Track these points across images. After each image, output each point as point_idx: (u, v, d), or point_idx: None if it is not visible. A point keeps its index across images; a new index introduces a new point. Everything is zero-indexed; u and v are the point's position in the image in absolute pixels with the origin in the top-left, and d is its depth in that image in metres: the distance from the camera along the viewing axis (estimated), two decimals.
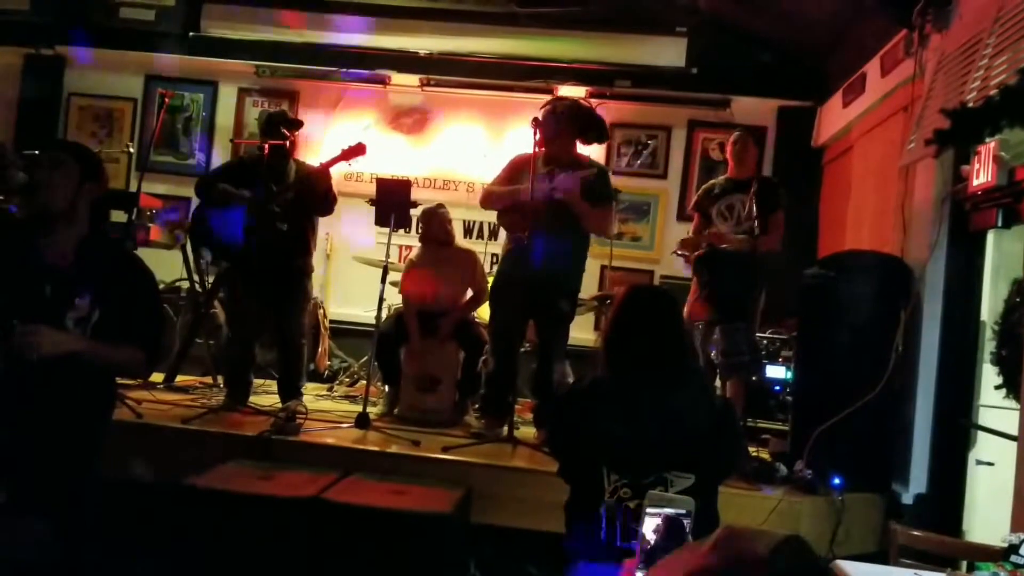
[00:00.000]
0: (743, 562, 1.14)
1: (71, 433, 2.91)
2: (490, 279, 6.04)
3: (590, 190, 5.04)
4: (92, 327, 2.90)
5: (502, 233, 5.57)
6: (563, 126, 5.14)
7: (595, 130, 5.26)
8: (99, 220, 3.17)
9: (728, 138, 5.84)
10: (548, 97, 6.98)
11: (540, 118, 5.09)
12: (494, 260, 7.09)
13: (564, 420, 2.82)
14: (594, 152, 7.58)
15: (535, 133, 5.01)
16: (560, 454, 2.86)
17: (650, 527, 2.01)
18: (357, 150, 5.22)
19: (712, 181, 5.85)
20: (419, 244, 6.20)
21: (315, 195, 5.34)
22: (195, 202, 5.52)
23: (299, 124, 5.56)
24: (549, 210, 4.92)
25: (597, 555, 2.57)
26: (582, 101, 5.63)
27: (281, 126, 5.39)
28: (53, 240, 2.97)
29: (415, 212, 6.05)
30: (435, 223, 5.96)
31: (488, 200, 5.36)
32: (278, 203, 5.17)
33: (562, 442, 2.83)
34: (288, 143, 5.36)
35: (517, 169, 5.23)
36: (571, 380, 6.14)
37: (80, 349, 2.84)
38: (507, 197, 5.15)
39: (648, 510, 2.00)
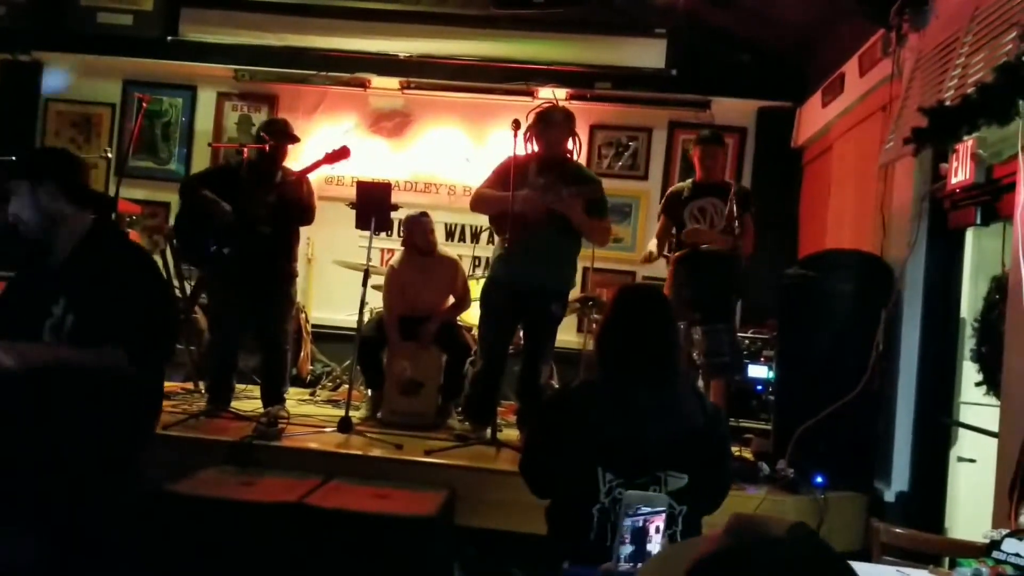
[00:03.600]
0: (762, 542, 1.14)
1: (60, 446, 2.86)
2: (472, 283, 6.05)
3: (594, 207, 5.06)
4: (67, 333, 2.84)
5: (485, 236, 5.57)
6: (565, 132, 5.11)
7: (574, 120, 5.26)
8: (98, 209, 3.16)
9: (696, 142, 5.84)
10: (529, 99, 7.04)
11: (543, 122, 5.07)
12: (477, 263, 7.12)
13: (557, 421, 2.78)
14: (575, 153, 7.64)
15: (526, 135, 5.02)
16: (545, 453, 2.81)
17: (630, 527, 2.01)
18: (341, 154, 5.17)
19: (680, 185, 5.85)
20: (401, 248, 6.19)
21: (294, 202, 5.30)
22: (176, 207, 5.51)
23: (288, 136, 5.48)
24: (544, 216, 4.91)
25: (585, 556, 2.55)
26: (555, 102, 5.63)
27: (263, 132, 5.39)
28: (53, 248, 2.97)
29: (396, 215, 6.04)
30: (417, 232, 5.93)
31: (480, 204, 5.28)
32: (257, 207, 5.13)
33: (552, 442, 2.77)
34: (268, 148, 5.33)
35: (509, 172, 5.14)
36: (555, 382, 6.16)
37: (44, 360, 2.77)
38: (497, 203, 5.04)
39: (626, 510, 2.01)
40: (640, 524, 2.01)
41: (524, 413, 5.25)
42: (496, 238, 5.40)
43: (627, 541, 2.03)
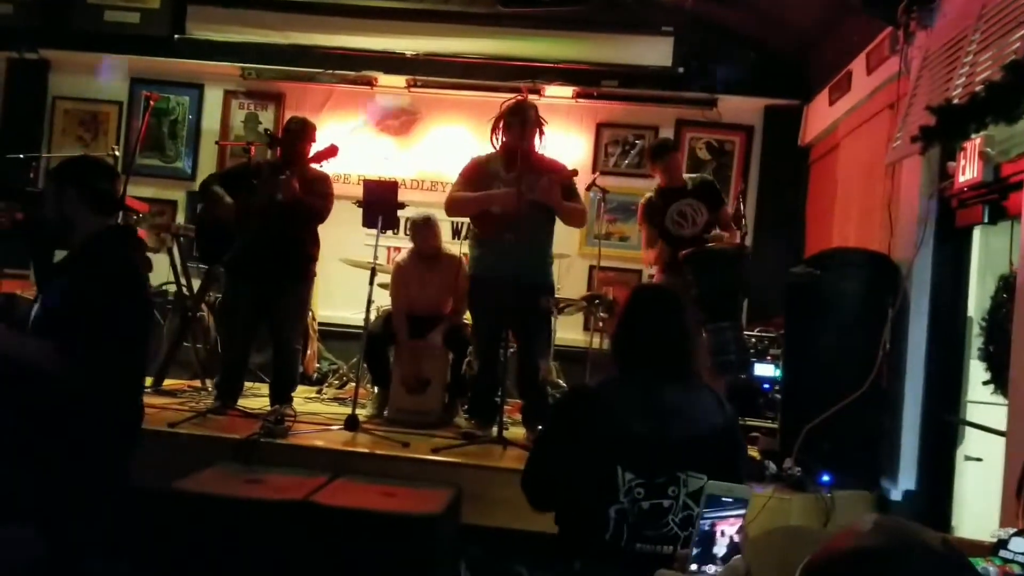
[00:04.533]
0: (914, 545, 1.14)
1: (47, 439, 2.90)
2: None
3: (566, 190, 5.11)
4: (32, 322, 3.03)
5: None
6: (535, 127, 5.15)
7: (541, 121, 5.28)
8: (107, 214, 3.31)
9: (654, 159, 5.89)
10: (536, 97, 7.04)
11: (517, 116, 5.09)
12: None
13: (578, 418, 2.69)
14: (581, 151, 7.64)
15: (494, 128, 5.14)
16: (562, 451, 2.70)
17: (709, 520, 1.96)
18: (329, 152, 5.17)
19: (648, 195, 5.89)
20: (408, 247, 6.18)
21: (297, 200, 5.29)
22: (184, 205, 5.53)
23: (298, 135, 5.47)
24: (523, 211, 4.91)
25: (597, 556, 2.53)
26: (523, 97, 5.67)
27: (281, 130, 5.40)
28: (68, 247, 3.23)
29: (403, 213, 6.03)
30: (419, 237, 5.91)
31: (456, 208, 5.33)
32: (259, 198, 5.13)
33: (571, 440, 2.68)
34: (278, 149, 5.33)
35: (477, 173, 5.22)
36: (556, 379, 6.15)
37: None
38: (477, 204, 5.13)
39: (706, 505, 1.97)
40: (707, 528, 1.97)
41: (529, 411, 5.25)
42: (469, 238, 5.39)
43: (696, 543, 1.97)
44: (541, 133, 5.20)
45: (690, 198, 5.66)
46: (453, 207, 5.33)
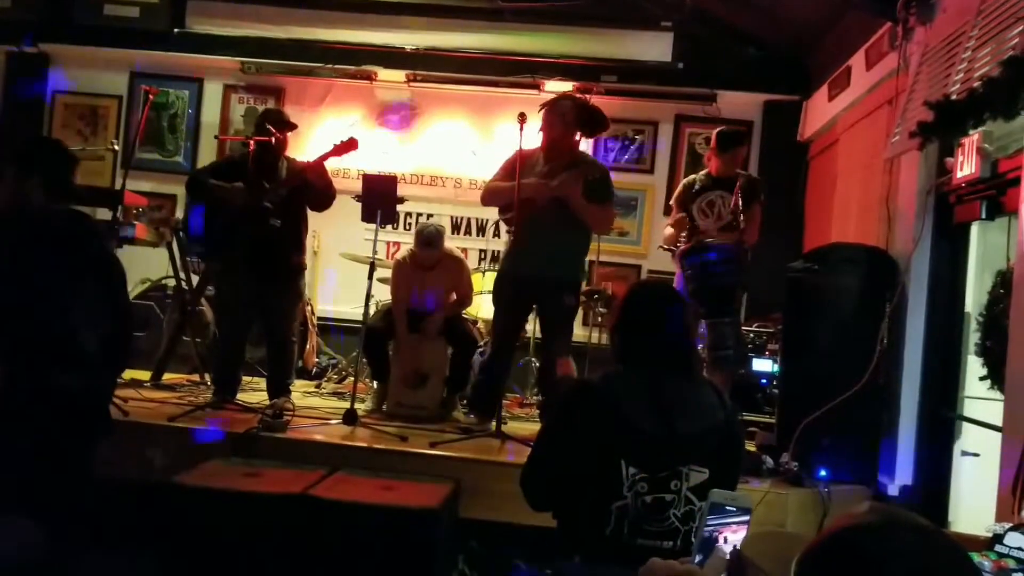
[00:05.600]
0: (904, 521, 1.17)
1: (40, 432, 2.91)
2: (477, 276, 6.05)
3: (592, 190, 5.04)
4: None
5: (491, 230, 5.56)
6: (568, 125, 5.11)
7: (600, 124, 5.22)
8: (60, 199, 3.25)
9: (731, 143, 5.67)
10: (535, 92, 7.06)
11: (548, 116, 5.07)
12: (482, 256, 7.14)
13: (583, 412, 2.67)
14: (580, 145, 7.61)
15: (541, 127, 5.07)
16: (565, 445, 2.68)
17: (711, 528, 1.96)
18: (349, 145, 5.19)
19: (692, 177, 5.74)
20: (408, 243, 6.17)
21: (312, 191, 5.31)
22: (183, 200, 5.53)
23: (289, 125, 5.50)
24: (551, 207, 4.91)
25: (597, 551, 2.54)
26: (577, 95, 5.63)
27: (267, 123, 5.38)
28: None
29: (402, 208, 6.02)
30: (423, 252, 5.79)
31: (488, 196, 5.31)
32: (270, 199, 5.15)
33: (575, 434, 2.66)
34: (275, 140, 5.33)
35: (516, 164, 5.14)
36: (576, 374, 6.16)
37: None
38: (506, 193, 5.07)
39: (710, 512, 1.96)
40: (708, 535, 1.97)
41: (546, 407, 5.28)
42: (505, 233, 5.40)
43: (697, 550, 1.98)
44: (577, 128, 5.13)
45: (724, 191, 5.45)
46: (486, 194, 5.32)
